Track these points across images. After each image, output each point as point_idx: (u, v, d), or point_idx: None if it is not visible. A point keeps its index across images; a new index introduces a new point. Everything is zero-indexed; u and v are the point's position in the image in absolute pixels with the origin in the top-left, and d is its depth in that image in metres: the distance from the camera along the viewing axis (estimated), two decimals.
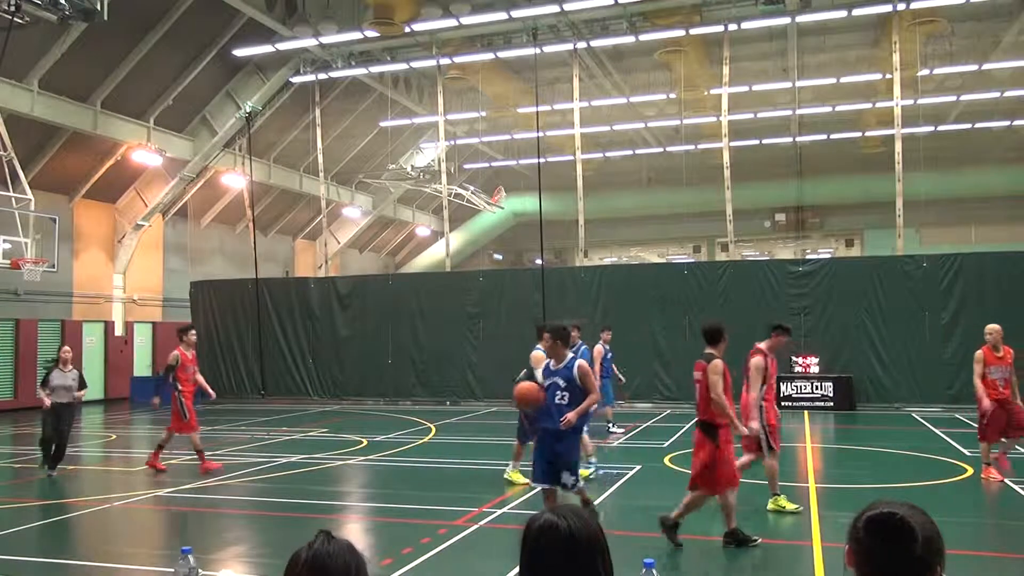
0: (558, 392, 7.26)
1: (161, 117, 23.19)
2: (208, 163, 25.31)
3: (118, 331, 24.72)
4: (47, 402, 11.41)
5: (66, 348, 12.00)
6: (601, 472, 10.63)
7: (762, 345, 8.82)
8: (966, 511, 8.67)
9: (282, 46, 22.44)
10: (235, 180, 26.70)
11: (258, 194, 27.49)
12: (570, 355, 7.41)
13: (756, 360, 8.67)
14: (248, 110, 24.06)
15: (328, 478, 11.48)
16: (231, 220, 29.69)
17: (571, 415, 7.05)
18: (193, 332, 12.39)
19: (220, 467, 11.76)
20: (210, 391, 12.47)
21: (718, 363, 7.52)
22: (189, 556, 4.10)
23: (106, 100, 21.44)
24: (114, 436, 16.92)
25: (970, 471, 10.81)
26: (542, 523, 2.08)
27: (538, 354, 9.70)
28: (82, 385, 11.81)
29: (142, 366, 25.23)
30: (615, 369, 14.94)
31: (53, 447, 11.40)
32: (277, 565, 6.92)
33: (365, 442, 14.42)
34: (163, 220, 26.62)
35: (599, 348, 14.30)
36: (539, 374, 7.86)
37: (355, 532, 8.37)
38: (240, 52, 22.38)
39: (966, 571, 6.42)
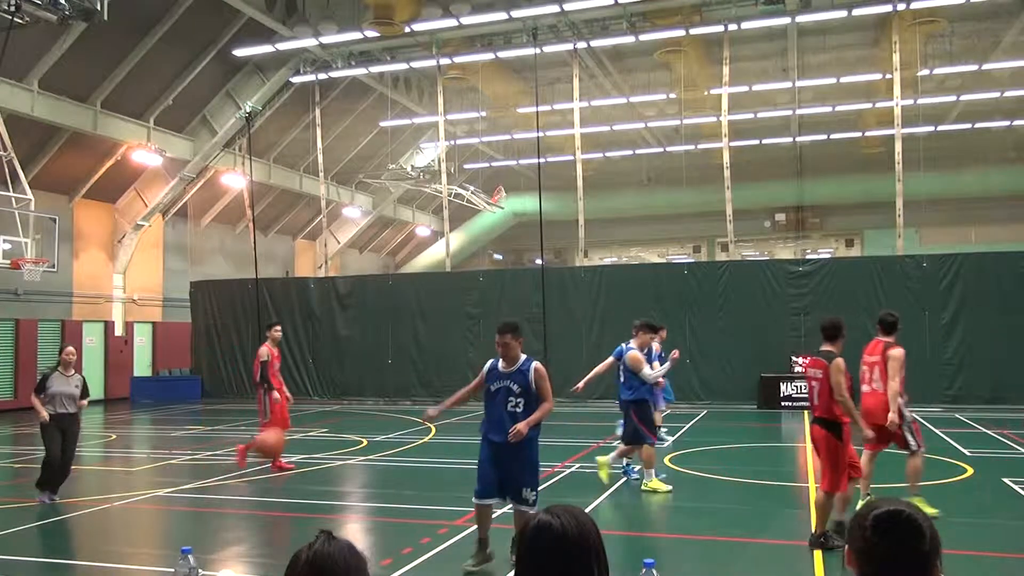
0: (511, 399, 6.54)
1: (161, 117, 23.19)
2: (208, 163, 25.32)
3: (118, 331, 24.72)
4: (43, 413, 9.52)
5: (70, 349, 9.94)
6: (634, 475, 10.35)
7: (891, 338, 8.66)
8: (967, 511, 8.67)
9: (282, 46, 22.44)
10: (235, 180, 26.71)
11: (258, 194, 27.49)
12: (524, 357, 6.71)
13: (899, 351, 8.43)
14: (248, 110, 24.06)
15: (328, 478, 11.47)
16: (231, 220, 29.70)
17: (521, 426, 6.32)
18: (278, 328, 11.99)
19: (292, 467, 11.51)
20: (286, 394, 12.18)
21: (840, 362, 7.30)
22: (189, 556, 4.10)
23: (106, 100, 21.44)
24: (114, 436, 16.91)
25: (970, 471, 10.81)
26: (537, 523, 2.08)
27: (635, 354, 9.64)
28: (85, 393, 9.92)
29: (142, 366, 25.23)
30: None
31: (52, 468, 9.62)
32: (277, 565, 6.94)
33: (365, 442, 14.42)
34: (163, 220, 26.62)
35: (655, 347, 14.42)
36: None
37: (355, 532, 8.36)
38: (240, 52, 22.39)
39: (967, 572, 6.42)
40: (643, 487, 9.72)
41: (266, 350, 11.68)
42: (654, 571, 3.03)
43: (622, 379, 9.89)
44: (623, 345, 10.14)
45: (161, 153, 23.14)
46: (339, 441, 14.80)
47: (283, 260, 33.13)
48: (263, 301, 23.17)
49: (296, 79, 24.57)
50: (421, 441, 14.69)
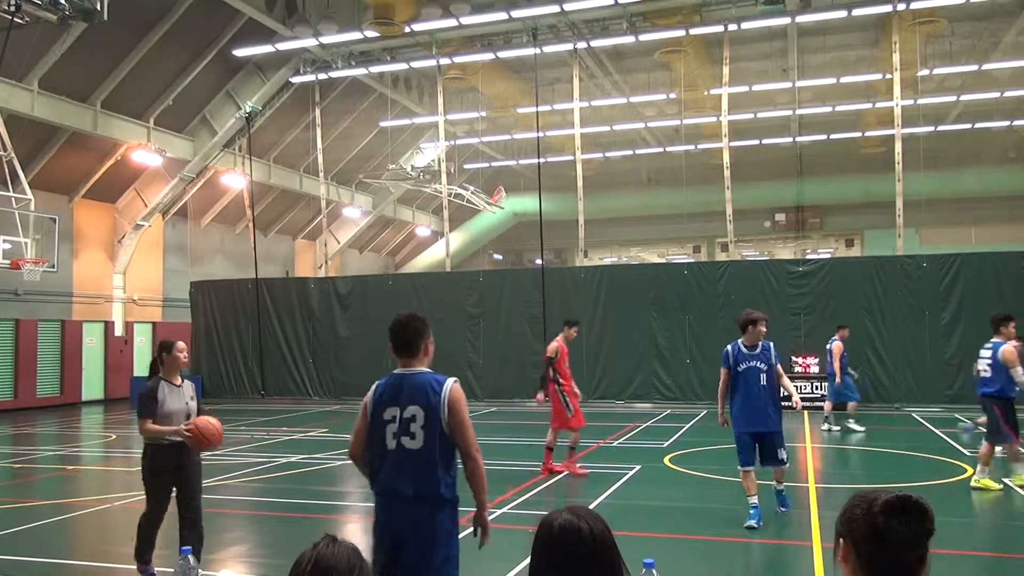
0: (411, 428, 3.99)
1: (161, 117, 23.20)
2: (208, 163, 25.32)
3: (118, 331, 24.72)
4: (169, 429, 6.21)
5: (181, 345, 6.52)
6: None
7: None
8: (966, 512, 8.67)
9: (282, 46, 22.44)
10: (235, 180, 26.71)
11: (258, 194, 27.50)
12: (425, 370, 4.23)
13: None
14: (248, 110, 24.07)
15: (328, 478, 11.48)
16: (231, 220, 29.70)
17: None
18: (575, 327, 11.49)
19: (585, 473, 10.95)
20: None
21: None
22: (189, 556, 4.11)
23: (106, 100, 21.44)
24: (114, 436, 16.92)
25: (969, 471, 10.80)
26: (562, 523, 2.10)
27: (1009, 349, 9.47)
28: (201, 407, 6.53)
29: (142, 366, 25.19)
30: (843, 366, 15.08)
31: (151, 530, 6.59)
32: (277, 565, 6.95)
33: None
34: (163, 220, 26.63)
35: (838, 344, 14.78)
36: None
37: (354, 532, 8.36)
38: (240, 52, 22.39)
39: (964, 571, 6.42)
40: (972, 484, 9.50)
41: (556, 346, 11.21)
42: (654, 571, 3.02)
43: (990, 373, 9.48)
44: (994, 343, 9.56)
45: (161, 153, 23.15)
46: (340, 441, 14.79)
47: (283, 260, 33.13)
48: (263, 301, 23.17)
49: (296, 79, 24.57)
50: None
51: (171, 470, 6.38)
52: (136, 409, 6.37)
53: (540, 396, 11.28)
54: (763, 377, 8.00)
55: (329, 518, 8.95)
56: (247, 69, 24.18)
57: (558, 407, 10.93)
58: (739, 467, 8.06)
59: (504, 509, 9.00)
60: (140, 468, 6.53)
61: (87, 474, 12.39)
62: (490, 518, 8.70)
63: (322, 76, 24.53)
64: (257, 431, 16.48)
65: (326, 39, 22.42)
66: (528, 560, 2.15)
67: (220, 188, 27.51)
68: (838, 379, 14.93)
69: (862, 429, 14.87)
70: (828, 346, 15.10)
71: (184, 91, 22.81)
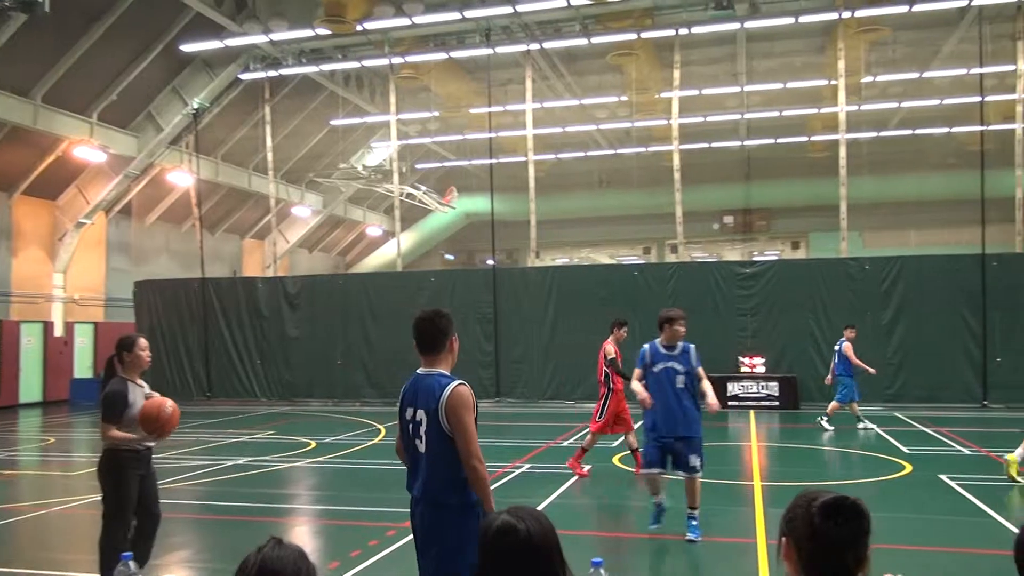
0: (420, 431, 3.99)
1: (105, 112, 22.65)
2: (153, 160, 24.81)
3: (58, 332, 24.07)
4: (134, 436, 5.77)
5: (143, 342, 6.04)
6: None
7: None
8: (905, 507, 8.90)
9: (231, 42, 22.07)
10: (182, 178, 26.21)
11: (205, 192, 27.02)
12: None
13: None
14: (195, 107, 23.63)
15: (275, 481, 11.33)
16: (177, 218, 29.14)
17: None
18: (625, 328, 11.29)
19: (586, 473, 10.84)
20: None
21: None
22: (130, 562, 4.01)
23: (47, 94, 20.87)
24: (52, 440, 16.47)
25: (909, 468, 11.10)
26: (500, 524, 2.10)
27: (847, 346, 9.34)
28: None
29: (83, 367, 24.61)
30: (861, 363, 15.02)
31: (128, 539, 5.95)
32: (221, 570, 6.84)
33: (314, 444, 14.27)
34: (106, 218, 26.02)
35: (848, 345, 14.84)
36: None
37: (302, 535, 8.28)
38: (187, 47, 21.96)
39: (905, 566, 6.59)
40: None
41: (612, 347, 11.01)
42: (602, 570, 3.05)
43: None
44: None
45: (104, 149, 22.61)
46: (287, 443, 14.62)
47: (231, 259, 32.61)
48: (209, 301, 22.79)
49: (245, 76, 24.19)
50: (370, 443, 14.59)
51: (139, 479, 5.90)
52: (101, 413, 5.77)
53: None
54: (680, 380, 7.74)
55: (277, 521, 8.83)
56: (194, 65, 23.74)
57: (599, 408, 10.83)
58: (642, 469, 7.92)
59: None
60: (99, 478, 5.88)
61: (25, 479, 12.04)
62: None
63: (272, 73, 24.18)
64: (203, 433, 16.19)
65: (276, 36, 22.12)
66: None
67: (166, 186, 26.97)
68: (830, 379, 15.09)
69: (832, 428, 14.89)
70: (836, 347, 15.09)
71: (129, 86, 22.31)
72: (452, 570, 3.80)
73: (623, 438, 11.04)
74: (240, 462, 12.41)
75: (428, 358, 4.13)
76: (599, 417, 10.79)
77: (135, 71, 21.94)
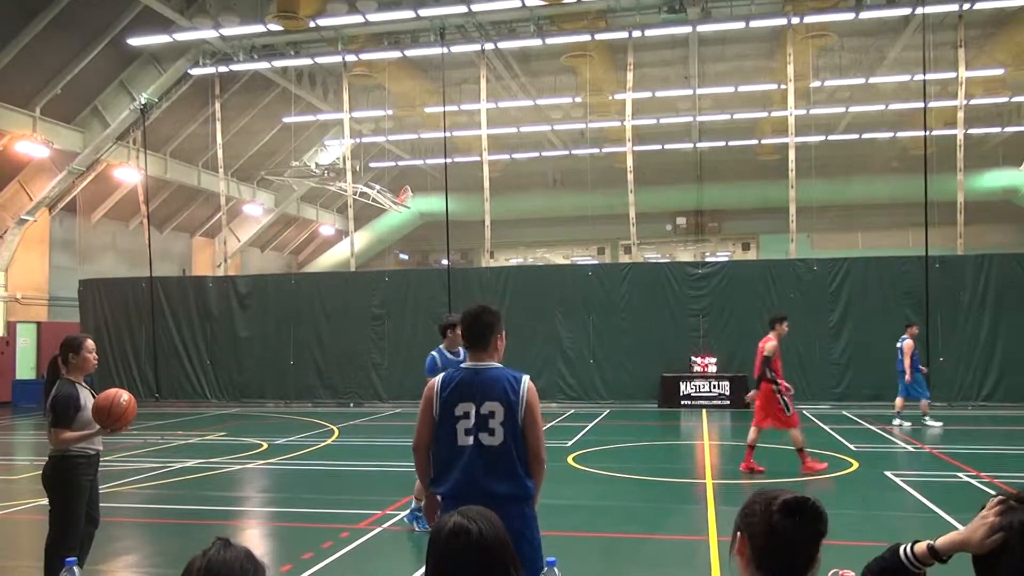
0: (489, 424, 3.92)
1: (48, 107, 22.03)
2: (99, 156, 24.21)
3: None
4: (86, 438, 5.61)
5: (90, 343, 5.87)
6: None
7: None
8: (852, 504, 9.08)
9: (180, 36, 21.63)
10: (129, 174, 25.63)
11: (154, 189, 26.48)
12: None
13: None
14: (143, 102, 23.13)
15: (226, 483, 11.15)
16: (124, 216, 28.51)
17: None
18: (786, 322, 11.13)
19: (824, 466, 10.80)
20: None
21: None
22: (74, 568, 3.91)
23: None
24: None
25: (855, 465, 11.34)
26: (452, 527, 2.09)
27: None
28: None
29: (25, 369, 23.94)
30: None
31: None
32: (169, 575, 6.69)
33: (265, 445, 14.08)
34: (49, 215, 25.32)
35: (909, 343, 15.02)
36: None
37: (254, 538, 8.16)
38: (135, 41, 21.47)
39: (851, 561, 6.73)
40: None
41: (774, 344, 10.87)
42: (556, 570, 3.06)
43: None
44: None
45: (48, 144, 21.99)
46: (238, 445, 14.40)
47: (180, 258, 32.01)
48: (158, 301, 22.34)
49: (195, 71, 23.74)
50: (323, 444, 14.44)
51: (88, 483, 5.69)
52: (51, 417, 5.52)
53: (752, 394, 11.01)
54: None
55: (227, 524, 8.69)
56: (142, 59, 23.23)
57: (776, 407, 10.71)
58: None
59: (408, 511, 8.93)
60: (47, 485, 5.65)
61: None
62: (393, 522, 8.65)
63: (222, 69, 23.77)
64: (151, 435, 15.86)
65: (227, 31, 21.75)
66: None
67: (112, 182, 26.35)
68: (908, 376, 15.11)
69: (939, 424, 15.12)
70: (899, 344, 15.31)
71: (74, 80, 21.73)
72: (530, 554, 3.91)
73: (753, 429, 11.02)
74: (189, 464, 12.19)
75: (476, 352, 4.07)
76: (787, 412, 10.71)
77: (80, 65, 21.39)
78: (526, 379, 3.96)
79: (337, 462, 12.64)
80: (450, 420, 3.89)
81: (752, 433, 10.91)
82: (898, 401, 15.49)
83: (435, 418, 3.94)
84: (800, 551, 1.93)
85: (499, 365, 4.05)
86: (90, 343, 5.84)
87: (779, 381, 10.72)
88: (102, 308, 22.80)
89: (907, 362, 15.11)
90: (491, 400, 3.87)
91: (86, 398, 5.65)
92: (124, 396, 5.52)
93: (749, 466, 10.79)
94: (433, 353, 7.95)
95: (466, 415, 3.87)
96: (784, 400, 10.65)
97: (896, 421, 15.35)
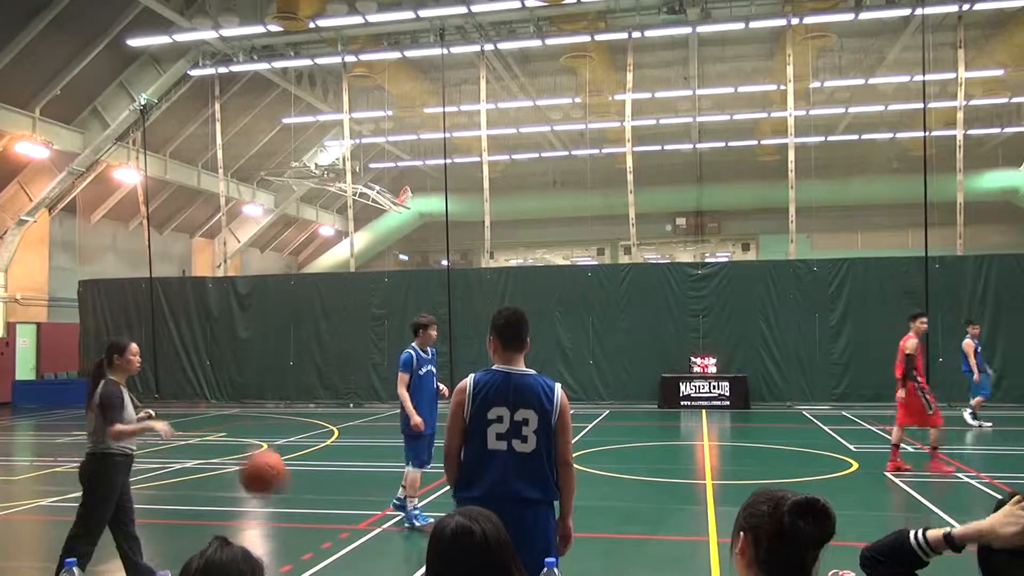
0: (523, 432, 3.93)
1: (48, 107, 22.04)
2: (99, 157, 24.22)
3: None
4: (161, 426, 6.00)
5: (135, 347, 6.11)
6: None
7: None
8: (852, 505, 9.08)
9: (180, 37, 21.65)
10: (129, 175, 25.63)
11: (153, 190, 26.48)
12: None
13: None
14: (143, 102, 23.13)
15: (225, 484, 11.13)
16: (124, 217, 28.51)
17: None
18: (925, 319, 11.04)
19: (952, 470, 10.74)
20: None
21: None
22: (74, 568, 3.91)
23: None
24: None
25: (855, 466, 11.34)
26: (455, 527, 2.09)
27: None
28: None
29: (25, 369, 23.93)
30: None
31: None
32: None
33: (265, 446, 14.06)
34: (49, 216, 25.32)
35: (968, 342, 15.08)
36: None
37: (253, 539, 8.15)
38: (135, 42, 21.49)
39: (849, 562, 6.73)
40: None
41: (915, 342, 10.77)
42: (556, 570, 3.06)
43: None
44: None
45: (48, 145, 21.99)
46: (238, 445, 14.39)
47: (180, 259, 32.00)
48: (157, 301, 22.34)
49: (195, 72, 23.76)
50: (323, 444, 14.44)
51: (122, 482, 5.97)
52: (103, 414, 5.73)
53: (901, 393, 10.83)
54: (434, 380, 8.38)
55: (226, 525, 8.68)
56: (142, 60, 23.24)
57: (918, 404, 10.66)
58: (416, 468, 8.17)
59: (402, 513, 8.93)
60: (85, 480, 5.85)
61: None
62: (392, 522, 8.65)
63: (222, 70, 23.78)
64: (150, 436, 15.83)
65: (227, 32, 21.76)
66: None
67: (112, 183, 26.36)
68: (976, 375, 15.03)
69: (976, 424, 15.13)
70: (962, 345, 15.34)
71: (74, 81, 21.74)
72: (552, 552, 3.89)
73: (896, 428, 10.99)
74: (189, 465, 12.18)
75: (510, 353, 4.05)
76: (929, 410, 10.66)
77: (80, 65, 21.40)
78: (559, 387, 3.97)
79: (337, 463, 12.63)
80: (482, 424, 3.87)
81: (896, 432, 10.90)
82: (975, 401, 15.35)
83: (465, 420, 3.90)
84: (807, 551, 1.94)
85: (532, 371, 4.04)
86: (134, 347, 6.06)
87: (920, 379, 10.69)
88: (102, 308, 22.80)
89: (972, 361, 15.02)
90: (526, 408, 3.87)
91: (127, 398, 5.92)
92: (275, 460, 5.16)
93: (896, 465, 10.74)
94: (409, 351, 8.22)
95: (499, 419, 3.86)
96: (926, 398, 10.64)
97: (975, 422, 15.18)
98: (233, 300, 22.17)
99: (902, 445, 10.90)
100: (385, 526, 8.20)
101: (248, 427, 17.40)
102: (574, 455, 4.18)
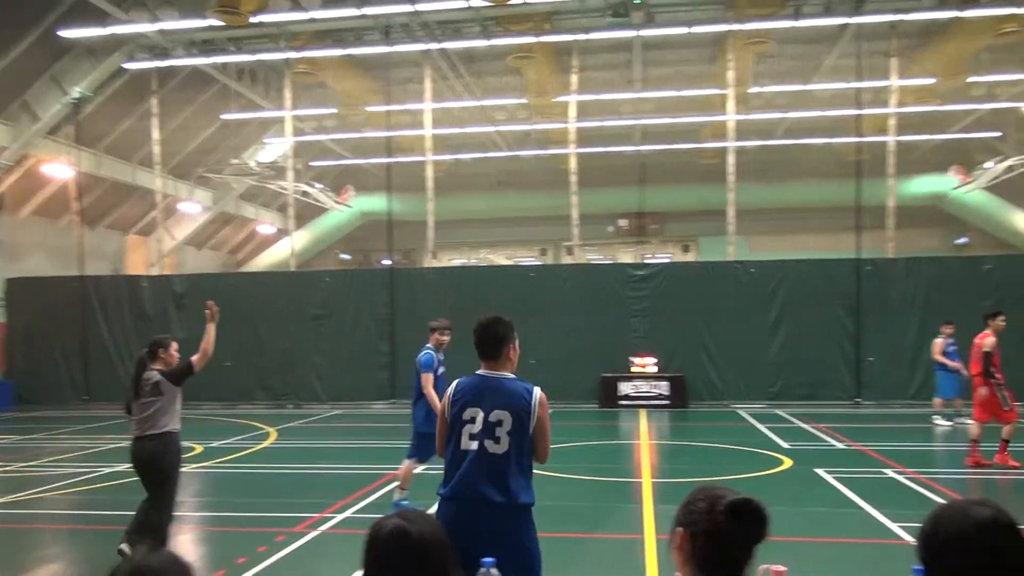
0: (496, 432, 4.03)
1: None
2: (28, 151, 23.43)
3: None
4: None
5: (175, 343, 7.59)
6: None
7: None
8: (784, 500, 9.28)
9: (115, 30, 21.05)
10: (59, 170, 24.85)
11: (86, 186, 25.72)
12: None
13: None
14: (76, 96, 22.45)
15: None
16: (54, 213, 27.62)
17: None
18: (1003, 317, 10.97)
19: (1019, 465, 10.75)
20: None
21: None
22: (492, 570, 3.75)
23: None
24: None
25: (788, 463, 11.60)
26: (392, 528, 2.08)
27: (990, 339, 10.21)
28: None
29: None
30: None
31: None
32: None
33: (200, 448, 13.79)
34: None
35: (937, 341, 15.14)
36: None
37: (187, 543, 7.98)
38: (67, 34, 20.84)
39: (783, 556, 6.88)
40: None
41: (993, 340, 10.75)
42: (493, 570, 3.06)
43: None
44: None
45: None
46: None
47: (113, 257, 31.14)
48: (89, 300, 21.73)
49: (130, 65, 23.14)
50: (260, 446, 14.21)
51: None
52: (175, 372, 7.07)
53: (983, 391, 10.90)
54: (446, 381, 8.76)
55: None
56: (75, 52, 22.54)
57: (994, 400, 10.79)
58: (413, 460, 8.65)
59: (346, 514, 8.85)
60: (159, 461, 6.77)
61: None
62: (331, 524, 8.56)
63: (160, 64, 23.21)
64: (80, 439, 15.42)
65: (165, 25, 21.26)
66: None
67: (42, 178, 25.50)
68: (964, 372, 14.51)
69: (949, 423, 15.19)
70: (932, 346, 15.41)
71: (2, 73, 20.98)
72: (528, 563, 4.04)
73: (975, 424, 11.10)
74: (119, 469, 11.87)
75: (489, 362, 4.20)
76: (1005, 406, 10.80)
77: (8, 57, 20.64)
78: (537, 391, 4.06)
79: (274, 465, 12.45)
80: (459, 425, 4.00)
81: (976, 429, 11.08)
82: (955, 402, 15.28)
83: (448, 422, 4.04)
84: (741, 550, 1.98)
85: (511, 375, 4.14)
86: (176, 344, 7.38)
87: (997, 376, 10.88)
88: (30, 308, 22.07)
89: (940, 358, 15.12)
90: (500, 409, 3.97)
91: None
92: None
93: (976, 460, 10.98)
94: (428, 351, 8.65)
95: (472, 420, 3.96)
96: (1003, 395, 10.85)
97: (949, 422, 15.26)
98: (169, 299, 21.67)
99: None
100: (322, 528, 8.11)
101: (183, 429, 16.98)
102: None
